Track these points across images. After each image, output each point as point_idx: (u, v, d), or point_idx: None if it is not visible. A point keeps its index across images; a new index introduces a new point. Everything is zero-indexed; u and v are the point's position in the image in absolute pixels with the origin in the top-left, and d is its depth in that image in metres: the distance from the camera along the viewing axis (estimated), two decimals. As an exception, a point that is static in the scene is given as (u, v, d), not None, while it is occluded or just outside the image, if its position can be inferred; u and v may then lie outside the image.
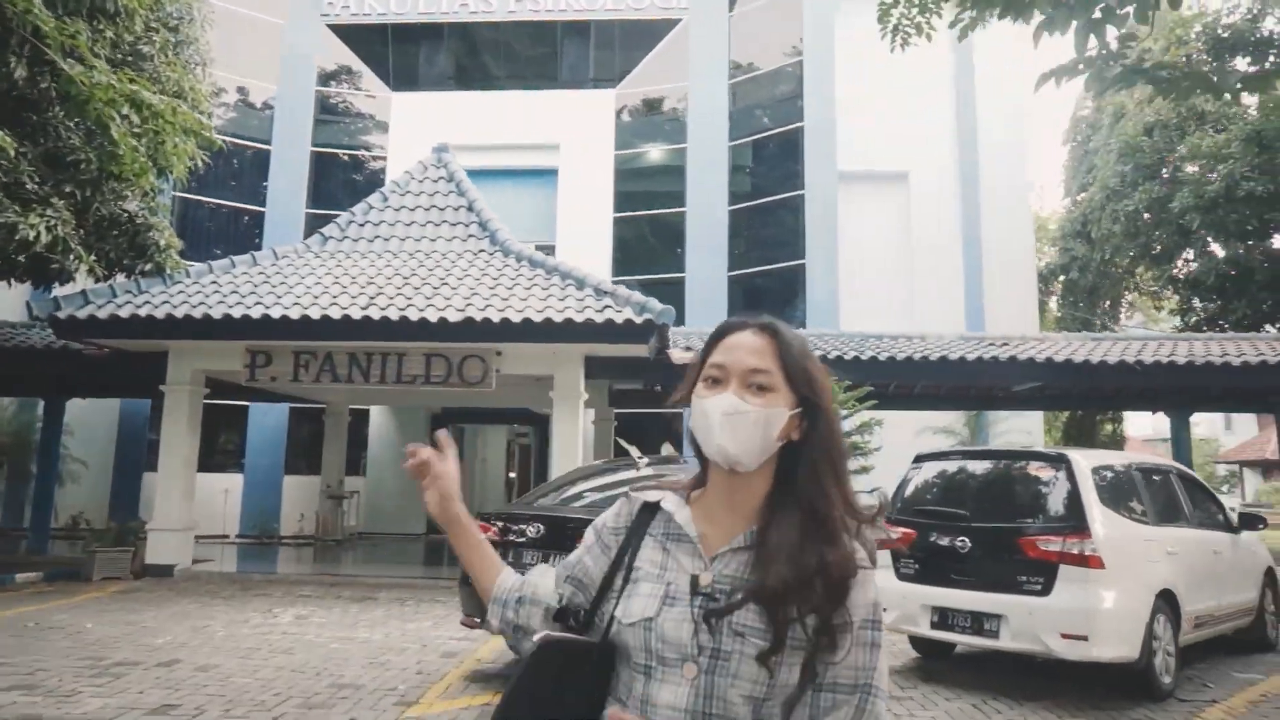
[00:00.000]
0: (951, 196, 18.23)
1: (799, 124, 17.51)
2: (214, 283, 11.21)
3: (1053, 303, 21.43)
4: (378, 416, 18.08)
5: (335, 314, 10.15)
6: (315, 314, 10.16)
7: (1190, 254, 16.73)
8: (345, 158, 19.40)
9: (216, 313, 10.26)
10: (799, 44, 17.82)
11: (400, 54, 19.53)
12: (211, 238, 17.18)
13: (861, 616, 1.16)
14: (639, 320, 9.90)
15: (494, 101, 18.77)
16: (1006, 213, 17.97)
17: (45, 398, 14.53)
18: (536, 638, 1.26)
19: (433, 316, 10.05)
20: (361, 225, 13.02)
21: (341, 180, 19.46)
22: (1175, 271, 16.92)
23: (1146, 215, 16.07)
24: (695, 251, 17.81)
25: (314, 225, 16.08)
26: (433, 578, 11.13)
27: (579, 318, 9.95)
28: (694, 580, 1.20)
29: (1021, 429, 16.33)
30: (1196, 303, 17.84)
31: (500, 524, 5.94)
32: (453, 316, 10.05)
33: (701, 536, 1.24)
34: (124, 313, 10.34)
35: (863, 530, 1.20)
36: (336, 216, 13.07)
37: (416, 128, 18.17)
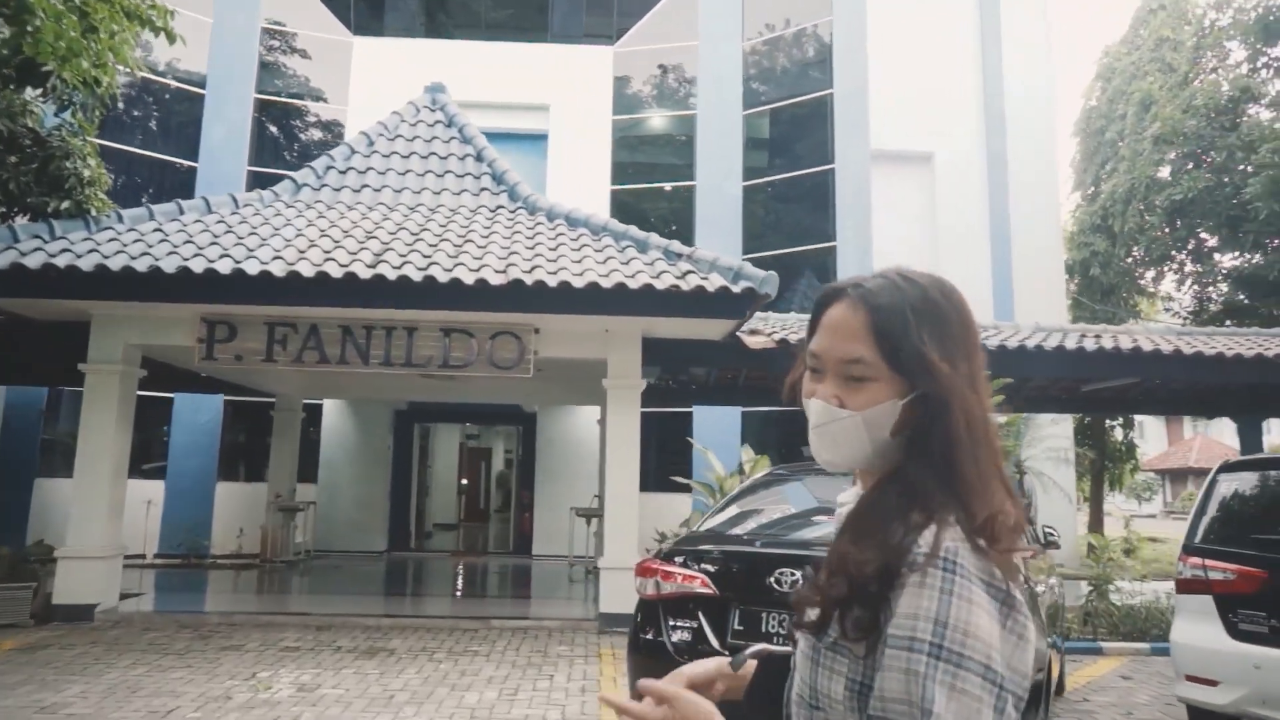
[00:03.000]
0: (978, 180, 16.80)
1: (827, 91, 15.71)
2: (157, 230, 8.51)
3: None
4: (333, 413, 15.32)
5: (335, 271, 7.66)
6: (307, 270, 7.65)
7: (1230, 251, 15.73)
8: (297, 109, 16.52)
9: (168, 265, 7.61)
10: (824, 2, 16.03)
11: (362, -8, 16.82)
12: (132, 193, 14.08)
13: (902, 632, 0.88)
14: (737, 289, 7.79)
15: (473, 52, 16.28)
16: (1035, 200, 16.65)
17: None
18: (750, 651, 1.23)
19: (468, 277, 7.69)
20: (343, 172, 10.45)
21: (291, 135, 16.58)
22: (1219, 266, 15.90)
23: (1194, 205, 14.96)
24: (705, 229, 15.74)
25: (258, 185, 13.27)
26: (452, 615, 8.68)
27: (661, 284, 7.77)
28: None
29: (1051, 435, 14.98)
30: (1214, 299, 16.97)
31: (708, 567, 3.75)
32: (494, 279, 7.71)
33: None
34: (31, 262, 7.57)
35: (981, 557, 0.91)
36: (284, 177, 10.53)
37: (382, 78, 15.55)
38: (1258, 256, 14.25)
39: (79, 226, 8.28)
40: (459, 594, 11.23)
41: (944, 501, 0.94)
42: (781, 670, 1.14)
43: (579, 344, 8.83)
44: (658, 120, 17.13)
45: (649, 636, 3.93)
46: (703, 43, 16.46)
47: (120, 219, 8.59)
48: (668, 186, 16.70)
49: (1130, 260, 18.27)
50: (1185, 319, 18.09)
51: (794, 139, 16.56)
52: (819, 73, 16.03)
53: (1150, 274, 18.96)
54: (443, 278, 7.66)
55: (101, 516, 8.33)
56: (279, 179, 11.64)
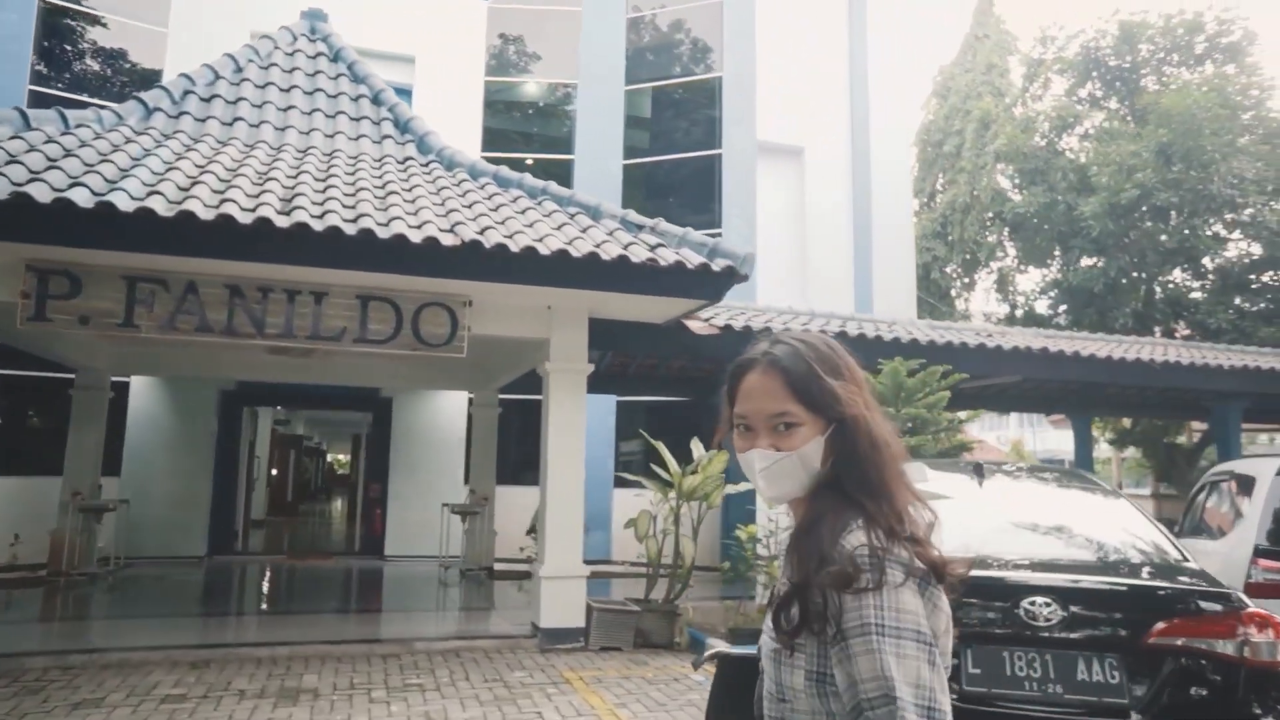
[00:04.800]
0: (844, 177, 17.24)
1: (716, 74, 15.36)
2: (-38, 146, 6.37)
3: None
4: (145, 393, 12.80)
5: (242, 216, 6.04)
6: (204, 212, 5.98)
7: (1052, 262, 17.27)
8: (96, 26, 13.59)
9: (-1, 191, 5.64)
10: (713, -16, 15.65)
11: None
12: None
13: (855, 622, 1.11)
14: (716, 268, 7.08)
15: (325, -14, 14.25)
16: (894, 200, 17.37)
17: None
18: (707, 654, 1.48)
19: (414, 235, 6.37)
20: (207, 100, 8.52)
21: (87, 59, 13.65)
22: (1050, 277, 17.40)
23: (1035, 219, 16.23)
24: (584, 209, 14.86)
25: (39, 108, 10.63)
26: (361, 639, 7.22)
27: (636, 257, 6.87)
28: None
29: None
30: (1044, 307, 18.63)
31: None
32: (446, 239, 6.45)
33: None
34: None
35: (898, 546, 1.15)
36: (77, 102, 8.37)
37: (209, 6, 13.25)
38: (1082, 266, 15.67)
39: None
40: (345, 609, 9.62)
41: (864, 505, 1.18)
42: (741, 671, 1.40)
43: (517, 321, 7.73)
44: (535, 87, 15.97)
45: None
46: (586, 7, 15.52)
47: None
48: (543, 158, 15.59)
49: (960, 266, 19.61)
50: (999, 322, 19.76)
51: (680, 120, 16.09)
52: (707, 55, 15.65)
53: (971, 279, 20.48)
54: (382, 234, 6.29)
55: None
56: (69, 102, 9.27)
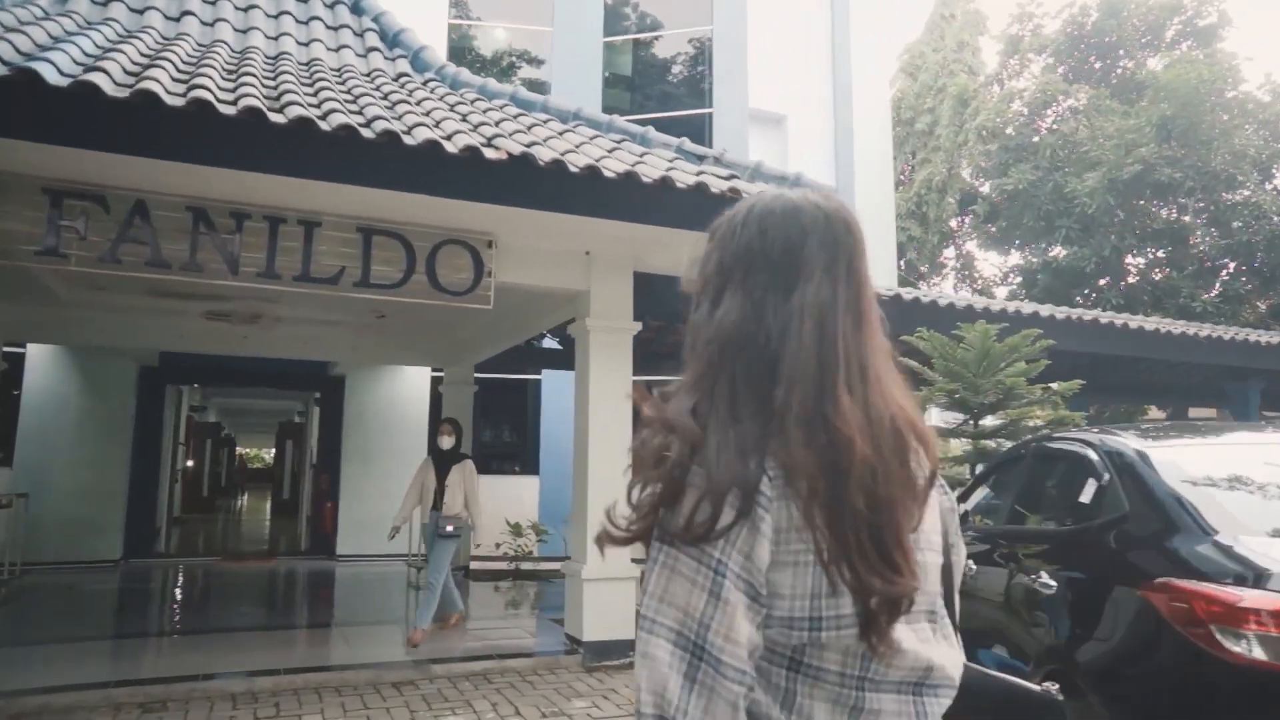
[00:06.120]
0: (826, 149, 16.36)
1: (706, 27, 14.15)
2: None
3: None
4: (45, 367, 10.75)
5: (223, 107, 4.48)
6: (171, 99, 4.38)
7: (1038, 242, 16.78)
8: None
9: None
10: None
11: None
12: None
13: None
14: (804, 204, 5.87)
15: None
16: (874, 173, 16.59)
17: None
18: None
19: (449, 145, 4.92)
20: (144, -13, 6.77)
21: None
22: (1028, 258, 16.89)
23: (1020, 199, 15.67)
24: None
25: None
26: (361, 663, 5.69)
27: (715, 186, 5.57)
28: None
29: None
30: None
31: None
32: (490, 152, 5.03)
33: None
34: None
35: None
36: None
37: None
38: (1071, 248, 15.19)
39: None
40: (322, 622, 7.97)
41: None
42: None
43: (550, 269, 6.34)
44: (502, 32, 14.41)
45: None
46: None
47: None
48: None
49: (934, 247, 19.04)
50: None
51: (659, 77, 14.83)
52: (692, 10, 14.43)
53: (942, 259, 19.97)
54: (410, 140, 4.82)
55: None
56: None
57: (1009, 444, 6.83)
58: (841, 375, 0.84)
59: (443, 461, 6.84)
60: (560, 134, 6.16)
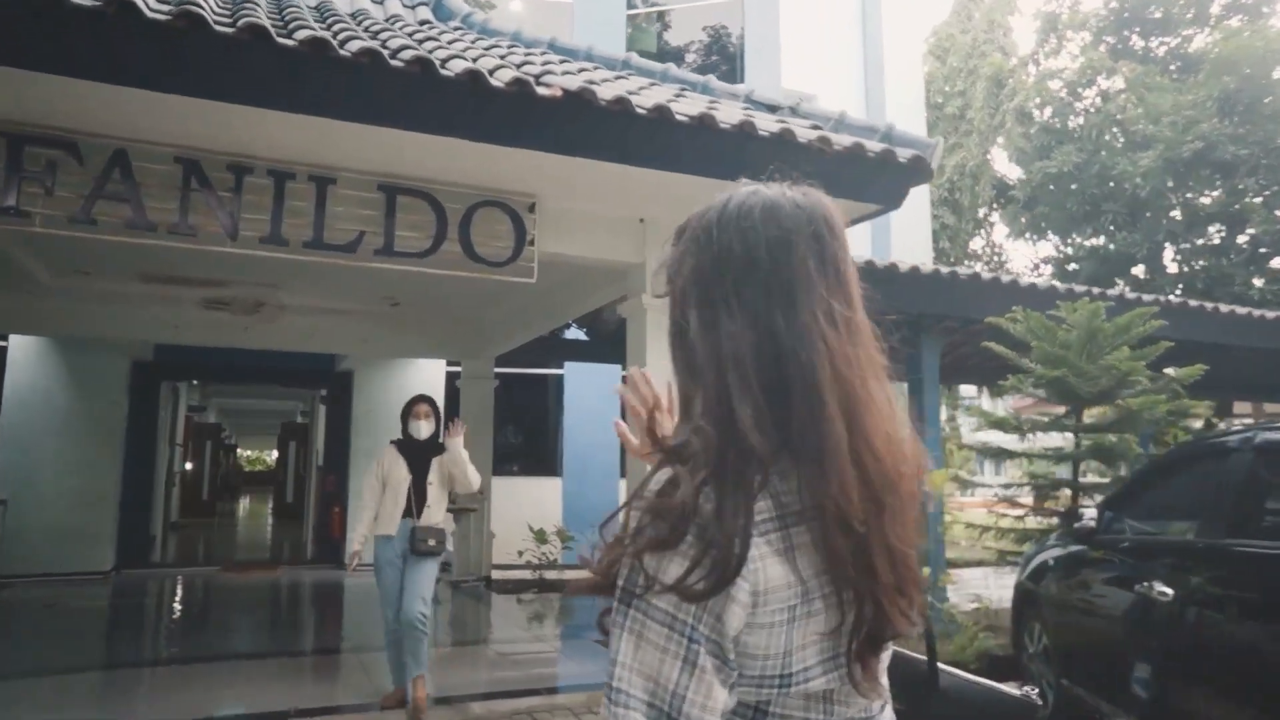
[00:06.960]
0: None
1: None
2: None
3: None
4: (28, 361, 9.89)
5: (219, 27, 3.62)
6: (151, 12, 3.52)
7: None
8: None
9: None
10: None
11: None
12: None
13: None
14: (903, 157, 4.99)
15: None
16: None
17: None
18: None
19: (494, 80, 4.07)
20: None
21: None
22: (1070, 246, 16.00)
23: (1061, 182, 14.79)
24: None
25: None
26: (326, 710, 4.80)
27: (802, 136, 4.72)
28: None
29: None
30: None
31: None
32: (542, 90, 4.16)
33: None
34: None
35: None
36: None
37: None
38: (1120, 233, 14.31)
39: None
40: (353, 647, 7.10)
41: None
42: None
43: (599, 236, 5.47)
44: (520, 7, 13.55)
45: None
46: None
47: None
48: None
49: (968, 233, 18.20)
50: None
51: (691, 54, 14.00)
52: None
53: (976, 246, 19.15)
54: (447, 71, 3.97)
55: None
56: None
57: (1121, 438, 5.98)
58: (857, 401, 0.79)
59: (418, 455, 4.97)
60: (613, 78, 5.29)
